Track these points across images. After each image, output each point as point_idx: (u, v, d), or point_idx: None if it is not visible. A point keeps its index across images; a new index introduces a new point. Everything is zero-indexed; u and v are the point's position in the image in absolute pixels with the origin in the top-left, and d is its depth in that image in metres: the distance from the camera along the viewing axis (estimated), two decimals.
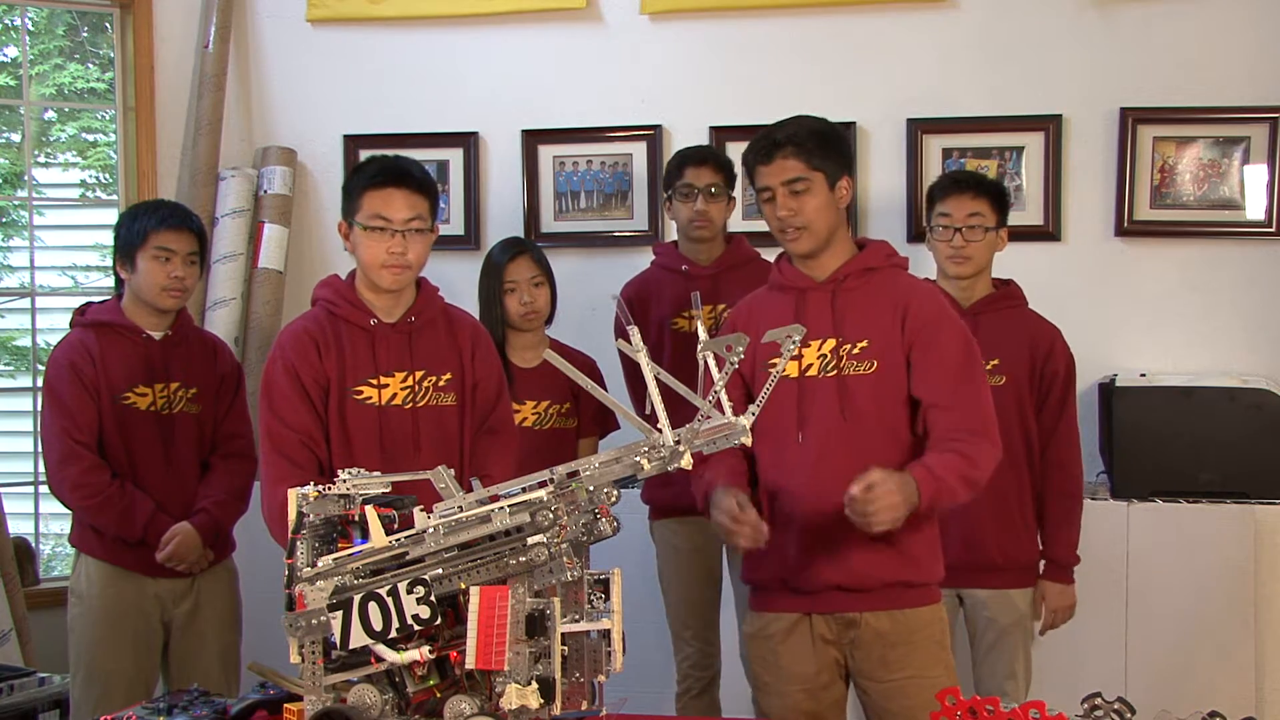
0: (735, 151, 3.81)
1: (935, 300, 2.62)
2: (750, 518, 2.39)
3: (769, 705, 2.59)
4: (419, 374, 2.70)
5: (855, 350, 2.52)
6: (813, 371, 2.54)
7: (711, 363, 1.79)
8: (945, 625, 2.61)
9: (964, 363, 2.53)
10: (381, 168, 2.69)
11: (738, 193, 3.65)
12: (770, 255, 3.58)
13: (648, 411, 1.78)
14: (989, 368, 2.88)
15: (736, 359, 1.77)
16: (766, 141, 2.57)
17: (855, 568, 2.49)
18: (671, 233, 4.28)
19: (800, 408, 2.53)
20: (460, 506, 1.80)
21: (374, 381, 2.67)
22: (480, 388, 2.78)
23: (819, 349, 2.53)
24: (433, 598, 1.76)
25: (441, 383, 2.72)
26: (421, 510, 1.86)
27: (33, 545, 4.34)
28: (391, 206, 2.63)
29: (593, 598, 1.78)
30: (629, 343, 1.80)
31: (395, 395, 2.68)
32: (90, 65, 4.88)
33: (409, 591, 1.76)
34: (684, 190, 3.47)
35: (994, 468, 2.51)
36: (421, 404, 2.69)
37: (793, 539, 2.51)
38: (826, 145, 2.57)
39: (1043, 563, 3.20)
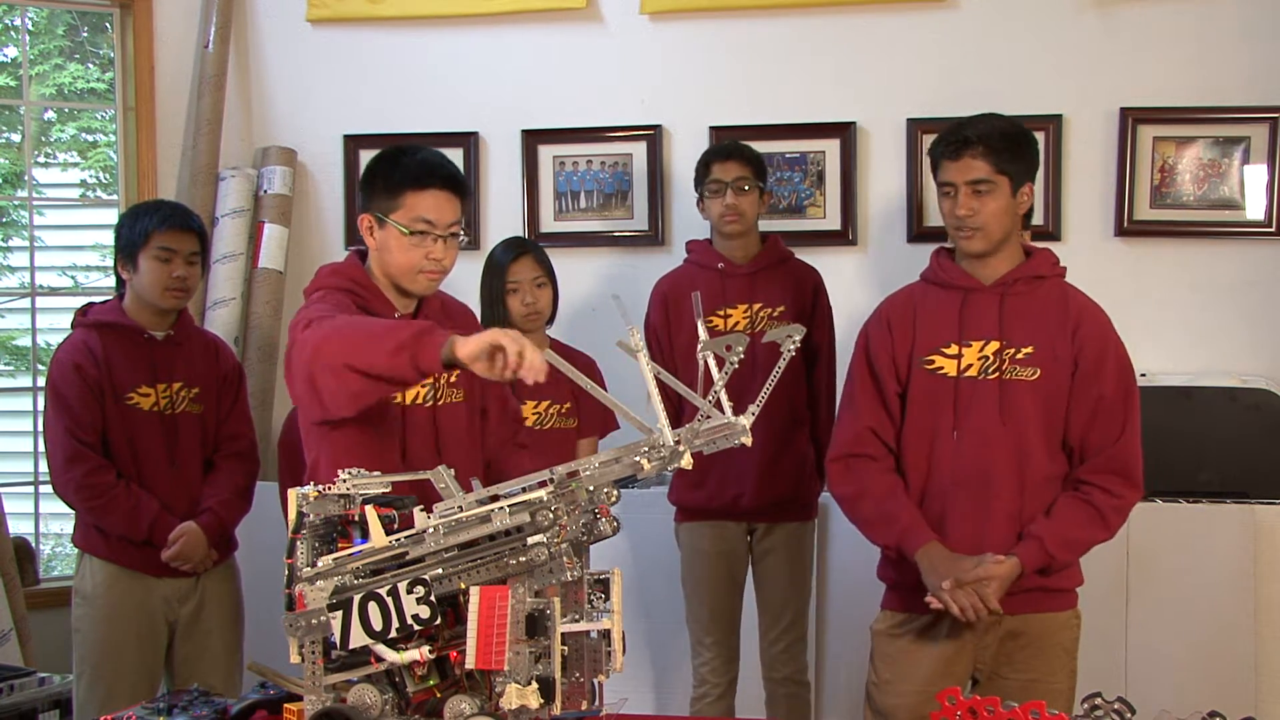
0: None
1: (1103, 325, 2.60)
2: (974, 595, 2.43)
3: (883, 702, 2.61)
4: None
5: (1019, 355, 2.53)
6: (972, 372, 2.54)
7: (711, 363, 1.79)
8: (1077, 632, 2.61)
9: (1121, 400, 2.54)
10: (428, 166, 2.43)
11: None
12: (801, 255, 3.59)
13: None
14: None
15: (736, 359, 1.76)
16: (956, 137, 2.55)
17: None
18: (677, 235, 4.29)
19: (957, 408, 2.54)
20: (460, 506, 1.80)
21: None
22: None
23: (980, 350, 2.53)
24: (433, 598, 1.76)
25: (453, 378, 2.50)
26: (421, 510, 1.86)
27: (33, 545, 4.34)
28: (438, 210, 2.41)
29: (593, 598, 1.78)
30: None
31: (418, 395, 2.46)
32: (90, 65, 4.88)
33: (409, 591, 1.76)
34: (713, 186, 3.46)
35: (1128, 514, 2.55)
36: (441, 402, 2.50)
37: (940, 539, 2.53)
38: (1016, 149, 2.55)
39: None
